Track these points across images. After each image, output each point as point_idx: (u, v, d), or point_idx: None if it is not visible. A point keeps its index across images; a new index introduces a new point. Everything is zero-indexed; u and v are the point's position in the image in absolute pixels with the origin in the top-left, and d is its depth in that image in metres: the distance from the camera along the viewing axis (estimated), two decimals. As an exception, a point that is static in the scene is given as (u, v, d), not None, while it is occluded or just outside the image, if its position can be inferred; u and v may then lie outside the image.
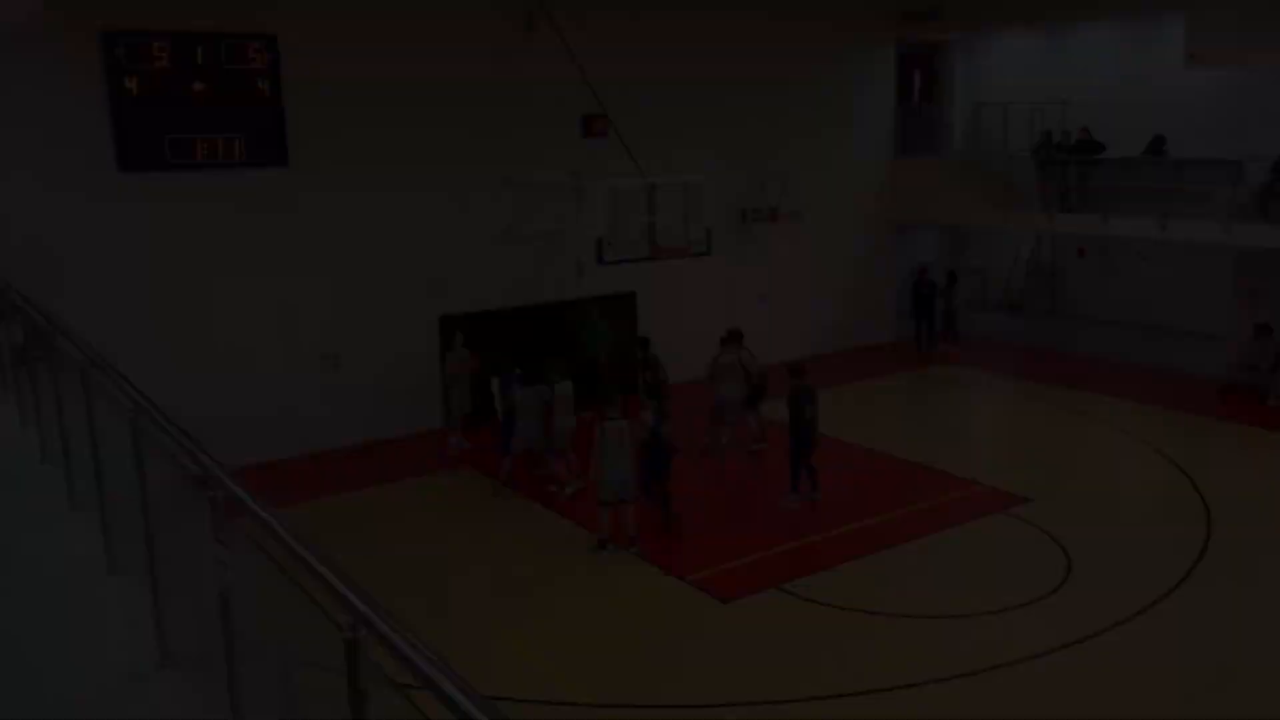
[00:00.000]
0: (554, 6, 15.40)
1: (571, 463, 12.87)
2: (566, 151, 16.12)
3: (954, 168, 20.19)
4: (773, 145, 18.90)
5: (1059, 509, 12.18)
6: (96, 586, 4.76)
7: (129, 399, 4.12)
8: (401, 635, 2.18)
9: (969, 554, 11.21)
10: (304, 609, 2.58)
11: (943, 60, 22.35)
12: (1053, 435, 15.37)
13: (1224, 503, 12.28)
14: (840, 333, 20.31)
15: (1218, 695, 8.38)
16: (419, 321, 15.40)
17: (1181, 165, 17.81)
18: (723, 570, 10.82)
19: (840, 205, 20.20)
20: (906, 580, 10.62)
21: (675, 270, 16.26)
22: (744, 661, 9.08)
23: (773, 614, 9.90)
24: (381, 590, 2.53)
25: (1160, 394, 16.82)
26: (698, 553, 11.24)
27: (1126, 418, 15.72)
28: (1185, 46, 16.58)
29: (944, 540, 11.53)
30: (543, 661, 9.07)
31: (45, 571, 5.03)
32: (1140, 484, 13.39)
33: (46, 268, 11.98)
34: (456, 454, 14.27)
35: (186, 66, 13.32)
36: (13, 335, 7.29)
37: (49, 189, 12.67)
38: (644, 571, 10.83)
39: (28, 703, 3.87)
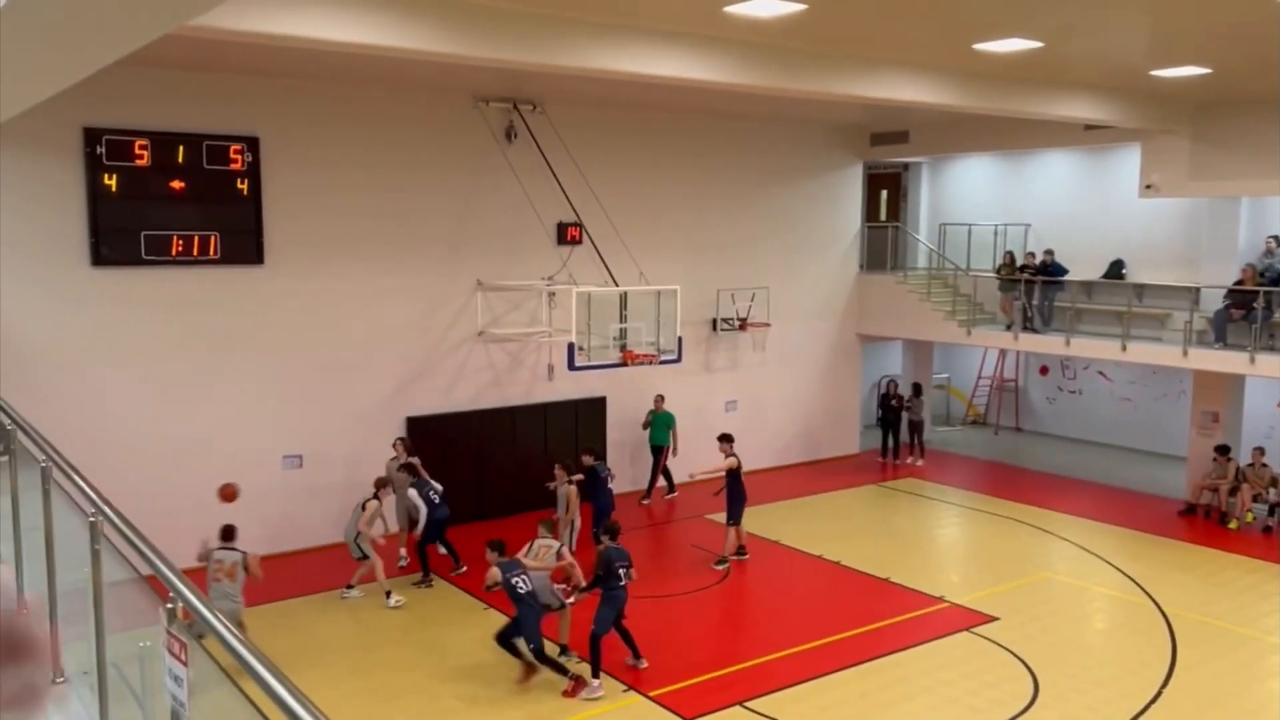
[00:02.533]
0: (534, 120, 15.87)
1: None
2: (541, 257, 16.36)
3: (919, 284, 20.67)
4: (745, 257, 19.27)
5: (1024, 628, 12.12)
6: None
7: (89, 500, 4.06)
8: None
9: (936, 673, 11.07)
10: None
11: (909, 181, 23.09)
12: (1017, 552, 15.38)
13: (1185, 624, 12.29)
14: (807, 443, 20.44)
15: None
16: (387, 422, 15.30)
17: (1141, 289, 18.36)
18: (685, 685, 10.61)
19: (809, 318, 20.53)
20: (871, 700, 10.45)
21: (644, 376, 16.41)
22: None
23: (736, 732, 9.67)
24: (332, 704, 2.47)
25: (1121, 513, 16.96)
26: (660, 669, 11.03)
27: (1089, 535, 15.79)
28: (1141, 177, 17.25)
29: (910, 658, 11.40)
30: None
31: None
32: (1103, 603, 13.37)
33: (14, 362, 11.88)
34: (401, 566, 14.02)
35: (167, 165, 13.42)
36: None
37: (18, 282, 12.55)
38: (607, 687, 10.58)
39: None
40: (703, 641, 11.74)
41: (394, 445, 14.29)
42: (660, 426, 17.36)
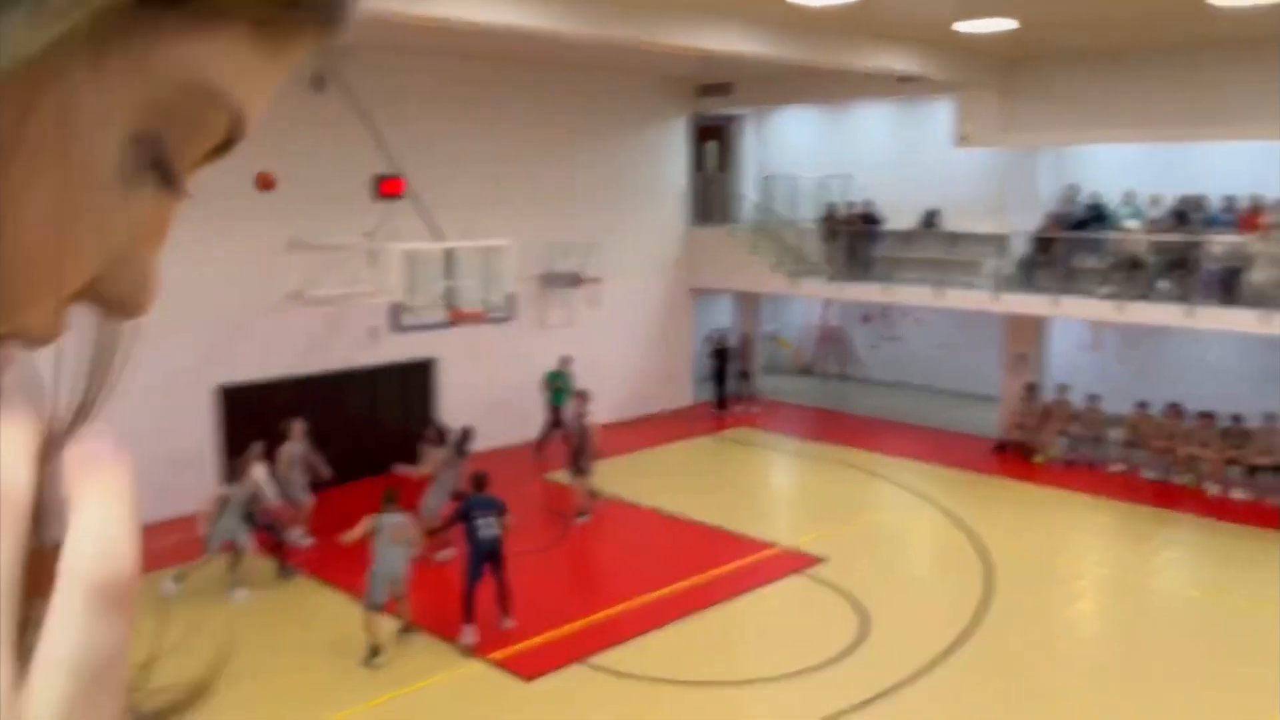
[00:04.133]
0: (347, 66, 15.00)
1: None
2: (360, 213, 15.58)
3: (747, 236, 20.92)
4: (576, 211, 19.00)
5: (852, 567, 12.50)
6: None
7: None
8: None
9: (770, 617, 11.29)
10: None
11: (735, 133, 23.26)
12: (844, 494, 15.89)
13: (1000, 554, 12.98)
14: (642, 398, 20.46)
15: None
16: (194, 392, 14.32)
17: (954, 238, 19.15)
18: (525, 647, 10.43)
19: (641, 272, 20.49)
20: (710, 647, 10.55)
21: (476, 336, 15.97)
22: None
23: (577, 690, 9.58)
24: None
25: (940, 452, 17.76)
26: (497, 631, 10.79)
27: (911, 475, 16.46)
28: (955, 129, 17.90)
29: (746, 604, 11.58)
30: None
31: None
32: (925, 539, 13.98)
33: None
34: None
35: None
36: None
37: None
38: (438, 652, 10.27)
39: None
40: (539, 601, 11.55)
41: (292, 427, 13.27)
42: (561, 388, 17.07)
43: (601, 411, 18.28)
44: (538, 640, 10.58)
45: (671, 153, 21.06)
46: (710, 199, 22.00)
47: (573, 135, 18.93)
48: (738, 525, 14.08)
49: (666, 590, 11.88)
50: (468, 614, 10.45)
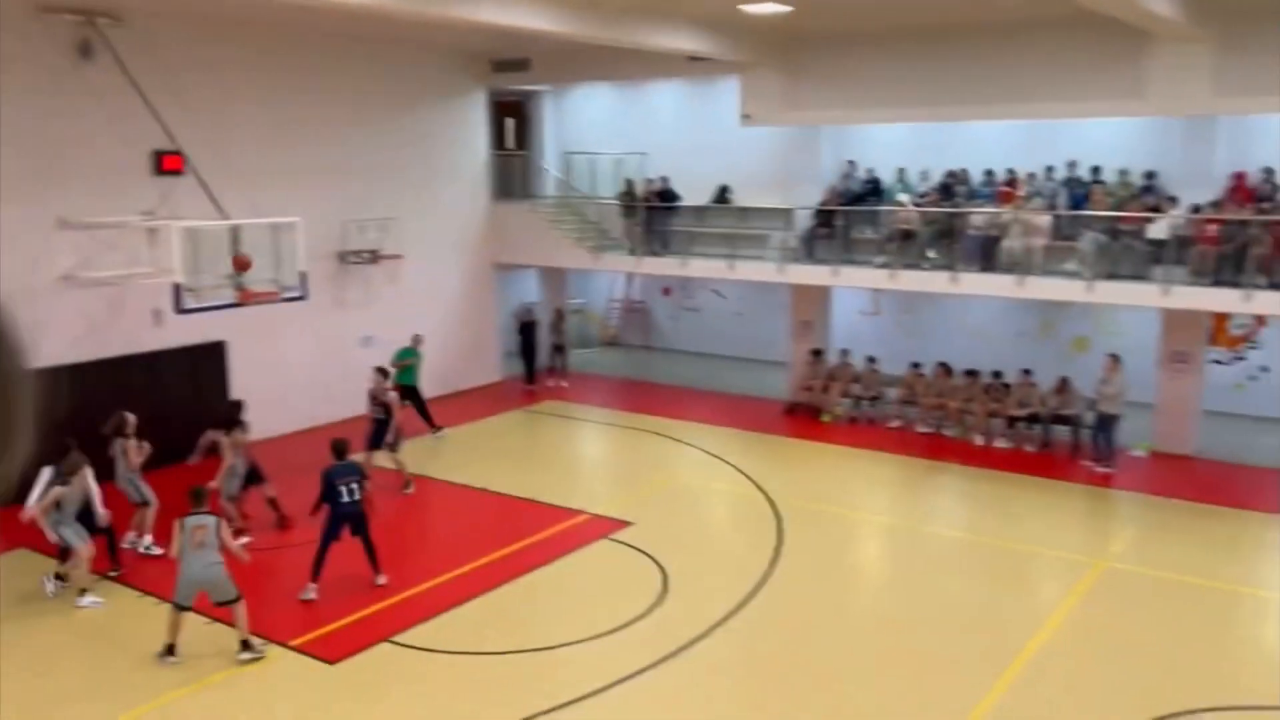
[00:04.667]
0: (117, 34, 14.13)
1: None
2: (137, 190, 14.76)
3: (550, 212, 21.11)
4: (372, 187, 18.64)
5: (655, 529, 13.02)
6: None
7: None
8: None
9: (578, 582, 11.63)
10: None
11: (534, 109, 23.34)
12: (649, 460, 16.43)
13: (791, 508, 13.83)
14: (448, 375, 20.37)
15: (789, 684, 9.32)
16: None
17: (745, 212, 19.99)
18: (330, 630, 10.34)
19: (443, 248, 20.33)
20: (519, 616, 10.78)
21: (269, 317, 15.49)
22: (353, 722, 8.71)
23: (383, 669, 9.59)
24: None
25: (736, 416, 18.63)
26: (300, 616, 10.65)
27: (710, 439, 17.19)
28: (740, 108, 18.66)
29: (554, 571, 11.87)
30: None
31: None
32: (723, 498, 14.68)
33: None
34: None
35: None
36: None
37: None
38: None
39: None
40: (344, 581, 11.46)
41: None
42: (411, 366, 16.87)
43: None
44: (343, 622, 10.51)
45: (470, 128, 20.93)
46: (512, 175, 22.04)
47: (366, 109, 18.53)
48: (548, 496, 14.35)
49: (476, 563, 12.02)
50: (315, 572, 10.90)
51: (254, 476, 12.96)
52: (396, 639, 10.11)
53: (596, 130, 22.92)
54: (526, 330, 21.23)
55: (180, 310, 12.69)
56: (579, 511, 13.74)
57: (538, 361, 21.38)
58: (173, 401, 15.15)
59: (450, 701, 9.02)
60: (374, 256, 18.43)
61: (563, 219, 20.96)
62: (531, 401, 20.24)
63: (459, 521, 13.68)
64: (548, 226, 20.75)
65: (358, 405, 18.59)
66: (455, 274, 20.75)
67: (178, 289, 12.48)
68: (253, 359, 16.62)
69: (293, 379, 17.34)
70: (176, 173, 14.90)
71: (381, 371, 14.78)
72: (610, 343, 25.65)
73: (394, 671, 9.54)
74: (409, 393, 16.55)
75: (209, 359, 16.17)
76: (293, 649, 9.95)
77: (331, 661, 9.72)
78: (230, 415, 13.14)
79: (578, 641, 10.07)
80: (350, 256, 18.22)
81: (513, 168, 22.07)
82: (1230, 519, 13.48)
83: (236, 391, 15.64)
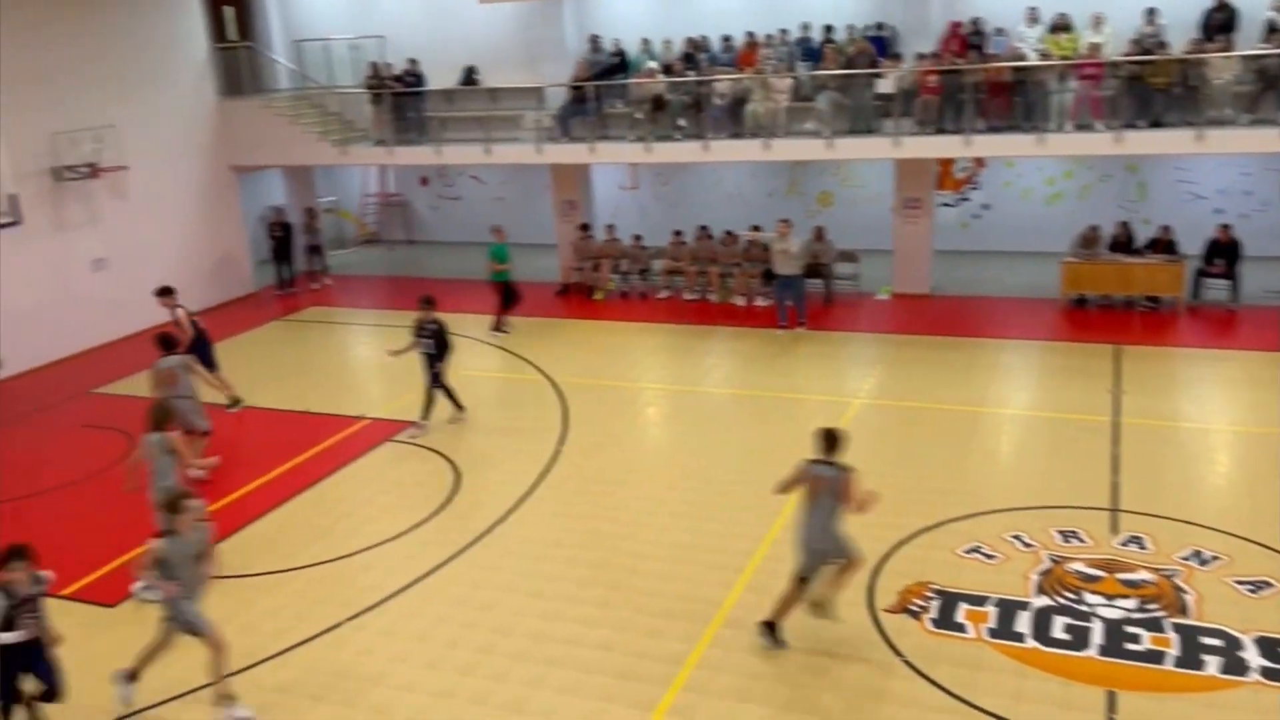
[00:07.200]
0: None
1: None
2: None
3: (286, 106, 19.80)
4: (80, 94, 16.82)
5: (439, 426, 12.97)
6: None
7: None
8: None
9: (368, 487, 11.49)
10: None
11: (254, -4, 21.59)
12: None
13: (573, 387, 14.12)
14: (197, 290, 19.06)
15: (588, 549, 9.71)
16: None
17: (495, 93, 19.54)
18: (105, 572, 9.79)
19: (171, 154, 18.76)
20: (315, 528, 10.57)
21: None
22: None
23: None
24: None
25: (511, 303, 18.60)
26: (71, 563, 9.99)
27: (484, 329, 17.11)
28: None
29: (342, 479, 11.67)
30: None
31: None
32: (506, 386, 14.77)
33: None
34: None
35: None
36: None
37: None
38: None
39: None
40: (114, 523, 10.80)
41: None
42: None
43: (154, 312, 16.86)
44: (118, 562, 9.95)
45: (184, 20, 19.11)
46: (238, 69, 20.42)
47: (60, 6, 16.53)
48: (322, 406, 13.98)
49: (258, 482, 11.62)
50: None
51: None
52: (182, 571, 9.68)
53: (328, 16, 21.55)
54: (278, 234, 20.14)
55: None
56: (359, 417, 13.47)
57: (294, 267, 20.40)
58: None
59: (256, 621, 8.82)
60: (94, 170, 16.77)
61: (301, 113, 19.73)
62: (292, 310, 19.38)
63: (233, 443, 13.07)
64: (285, 122, 19.50)
65: (97, 335, 17.29)
66: (190, 182, 19.25)
67: None
68: (-34, 296, 14.97)
69: (16, 311, 15.76)
70: None
71: (165, 290, 13.33)
72: (369, 240, 24.76)
73: (185, 604, 9.17)
74: (507, 289, 16.80)
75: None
76: (67, 598, 9.35)
77: (112, 605, 9.24)
78: None
79: (376, 544, 10.04)
80: (66, 173, 16.50)
81: (239, 61, 20.44)
82: (966, 347, 14.96)
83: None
